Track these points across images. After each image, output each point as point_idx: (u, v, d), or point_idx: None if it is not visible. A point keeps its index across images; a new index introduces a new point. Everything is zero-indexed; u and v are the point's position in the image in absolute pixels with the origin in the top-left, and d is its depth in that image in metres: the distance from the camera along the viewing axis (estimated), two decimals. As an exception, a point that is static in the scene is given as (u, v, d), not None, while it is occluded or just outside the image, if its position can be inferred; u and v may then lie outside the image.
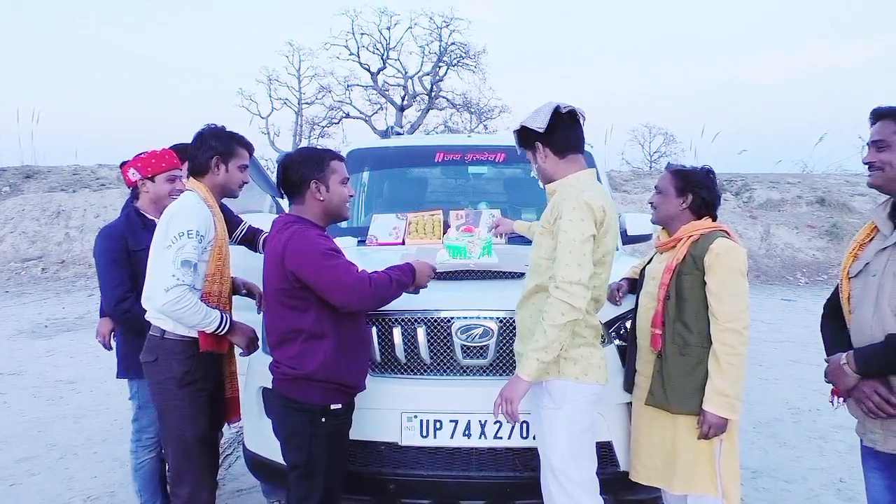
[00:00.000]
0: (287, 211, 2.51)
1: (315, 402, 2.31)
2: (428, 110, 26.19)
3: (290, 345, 2.29)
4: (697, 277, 2.36)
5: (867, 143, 2.03)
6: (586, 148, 3.56)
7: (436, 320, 2.61)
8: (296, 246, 2.23)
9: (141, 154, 2.96)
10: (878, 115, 2.00)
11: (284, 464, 2.48)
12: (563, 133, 2.31)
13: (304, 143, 26.72)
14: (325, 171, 2.36)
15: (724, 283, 2.31)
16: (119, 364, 3.02)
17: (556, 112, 2.28)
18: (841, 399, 2.07)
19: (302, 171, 2.34)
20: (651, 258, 2.65)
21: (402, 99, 26.06)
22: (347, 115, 26.63)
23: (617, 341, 2.69)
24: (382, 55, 25.45)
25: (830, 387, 2.09)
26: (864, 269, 2.01)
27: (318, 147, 2.59)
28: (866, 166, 2.03)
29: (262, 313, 2.69)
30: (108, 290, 2.86)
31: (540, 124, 2.27)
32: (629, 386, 2.56)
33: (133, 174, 2.93)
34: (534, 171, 2.44)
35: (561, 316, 2.11)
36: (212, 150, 2.50)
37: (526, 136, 2.35)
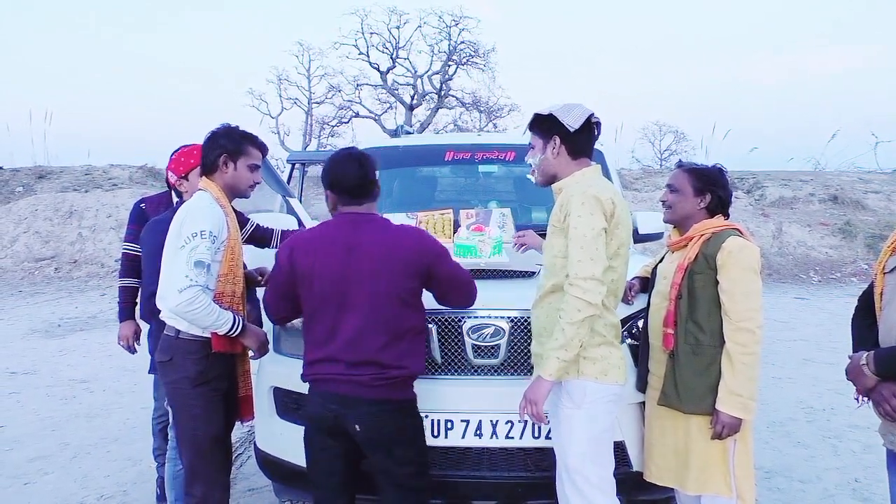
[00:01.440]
0: (301, 211, 2.48)
1: (413, 397, 2.36)
2: (437, 109, 26.24)
3: (396, 345, 2.26)
4: (710, 276, 2.34)
5: None
6: (597, 146, 3.55)
7: (447, 320, 2.60)
8: (430, 243, 2.31)
9: (171, 156, 3.00)
10: None
11: (298, 464, 2.49)
12: (585, 138, 2.32)
13: (314, 143, 26.81)
14: None
15: (737, 282, 2.28)
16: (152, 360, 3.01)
17: (588, 118, 2.29)
18: (865, 397, 2.02)
19: (375, 166, 2.38)
20: (662, 257, 2.63)
21: (412, 98, 26.11)
22: (357, 115, 26.75)
23: (629, 340, 2.67)
24: (392, 54, 25.54)
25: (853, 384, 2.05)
26: None
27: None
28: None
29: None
30: (147, 282, 2.82)
31: (573, 122, 2.27)
32: (642, 386, 2.54)
33: (171, 176, 2.98)
34: (532, 158, 2.41)
35: (578, 312, 2.10)
36: (220, 149, 2.49)
37: (549, 126, 2.33)
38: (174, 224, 2.42)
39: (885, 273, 2.02)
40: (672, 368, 2.37)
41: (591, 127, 2.32)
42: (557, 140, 2.31)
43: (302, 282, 2.31)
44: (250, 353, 2.63)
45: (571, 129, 2.27)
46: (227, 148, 2.50)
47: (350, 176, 2.32)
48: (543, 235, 3.30)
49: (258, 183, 2.63)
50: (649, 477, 2.48)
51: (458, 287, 2.38)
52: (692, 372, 2.33)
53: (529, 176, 2.46)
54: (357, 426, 2.25)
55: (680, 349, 2.35)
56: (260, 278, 2.80)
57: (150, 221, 2.93)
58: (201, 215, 2.38)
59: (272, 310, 2.47)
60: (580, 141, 2.31)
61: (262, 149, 2.62)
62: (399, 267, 2.24)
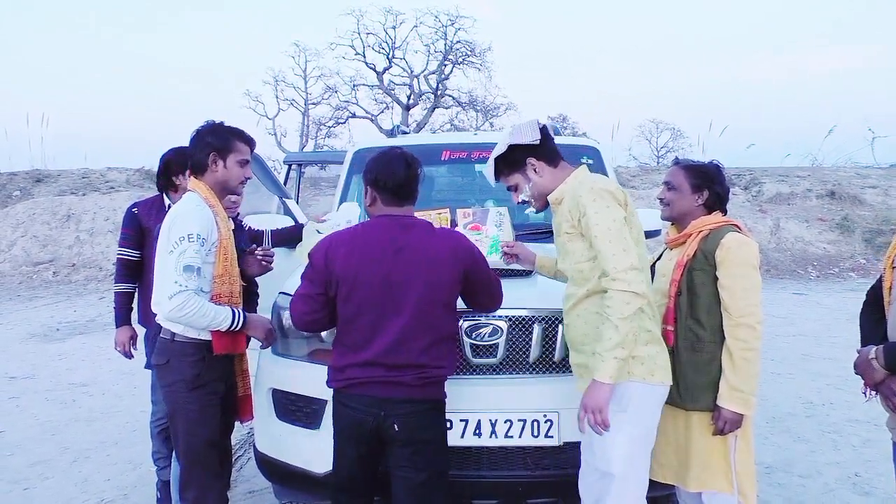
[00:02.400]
0: (298, 212, 2.46)
1: (445, 397, 2.34)
2: (434, 109, 26.24)
3: (438, 346, 2.24)
4: (709, 273, 2.34)
5: None
6: (593, 143, 3.52)
7: (445, 319, 2.60)
8: (471, 248, 2.32)
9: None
10: None
11: (297, 465, 2.47)
12: (549, 144, 2.32)
13: (310, 144, 26.80)
14: None
15: (736, 278, 2.28)
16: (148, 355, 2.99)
17: (541, 126, 2.30)
18: (873, 391, 2.03)
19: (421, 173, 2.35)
20: (661, 254, 2.63)
21: (408, 98, 26.09)
22: (353, 115, 26.72)
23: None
24: (388, 54, 25.53)
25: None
26: None
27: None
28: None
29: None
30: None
31: (533, 137, 2.26)
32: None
33: None
34: (522, 196, 2.39)
35: (626, 306, 2.03)
36: (208, 147, 2.46)
37: (514, 157, 2.33)
38: (163, 228, 2.40)
39: (893, 268, 2.02)
40: (672, 365, 2.36)
41: (547, 133, 2.32)
42: (532, 160, 2.31)
43: (341, 284, 2.21)
44: (259, 345, 2.61)
45: (537, 143, 2.27)
46: (214, 145, 2.46)
47: (399, 176, 2.27)
48: (539, 234, 3.29)
49: (249, 178, 2.60)
50: (651, 475, 2.47)
51: (490, 291, 2.38)
52: (692, 369, 2.33)
53: (529, 211, 2.46)
54: (396, 425, 2.20)
55: (680, 346, 2.35)
56: (258, 253, 2.72)
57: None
58: (189, 218, 2.36)
59: (301, 313, 2.30)
60: (548, 149, 2.31)
61: (250, 143, 2.58)
62: (446, 271, 2.21)
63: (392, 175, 2.26)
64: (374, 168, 2.29)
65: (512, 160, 2.34)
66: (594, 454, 2.25)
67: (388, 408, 2.20)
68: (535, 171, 2.32)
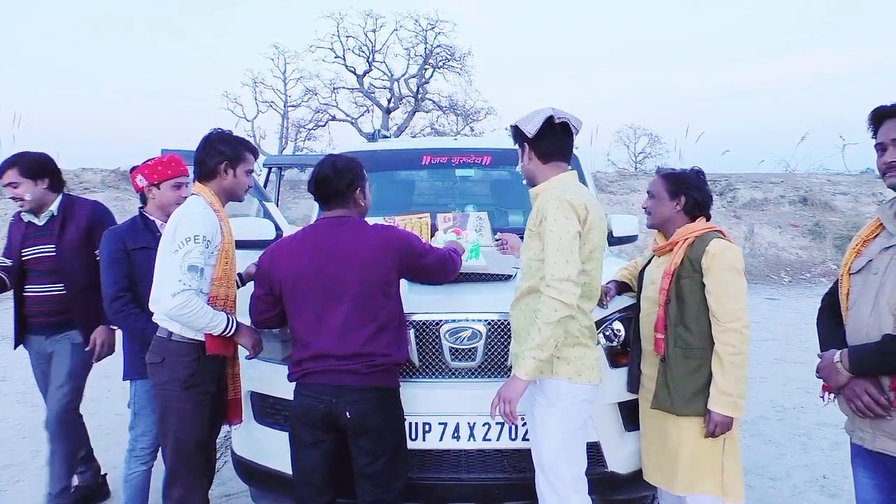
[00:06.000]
0: (278, 215, 2.49)
1: (398, 385, 2.46)
2: (414, 113, 26.22)
3: (382, 334, 2.35)
4: (696, 280, 2.39)
5: (877, 145, 1.95)
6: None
7: (424, 323, 2.62)
8: (404, 238, 2.45)
9: (149, 161, 3.03)
10: (885, 115, 1.93)
11: (275, 468, 2.47)
12: (550, 141, 2.37)
13: (290, 147, 26.63)
14: (365, 178, 2.50)
15: (722, 283, 2.33)
16: (124, 365, 2.99)
17: (549, 121, 2.33)
18: (832, 395, 2.08)
19: (354, 175, 2.45)
20: (650, 260, 2.67)
21: (389, 101, 26.07)
22: (333, 118, 26.61)
23: (603, 341, 2.71)
24: (368, 58, 25.49)
25: (821, 382, 2.09)
26: (865, 267, 2.00)
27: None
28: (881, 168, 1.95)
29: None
30: (103, 289, 2.85)
31: (530, 129, 2.33)
32: (633, 387, 2.58)
33: (140, 180, 3.00)
34: (518, 165, 2.50)
35: (554, 313, 2.15)
36: (221, 156, 2.53)
37: (518, 134, 2.42)
38: (168, 228, 2.46)
39: (850, 274, 2.06)
40: (664, 372, 2.41)
41: (554, 129, 2.36)
42: (526, 147, 2.40)
43: (283, 286, 2.39)
44: (246, 354, 2.64)
45: (529, 136, 2.34)
46: (227, 155, 2.54)
47: (318, 182, 2.44)
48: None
49: (251, 186, 2.70)
50: (647, 477, 2.54)
51: (435, 274, 2.53)
52: (683, 375, 2.38)
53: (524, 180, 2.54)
54: (348, 413, 2.31)
55: (671, 353, 2.40)
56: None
57: (107, 231, 2.96)
58: (195, 220, 2.41)
59: (255, 312, 2.52)
60: (545, 144, 2.38)
61: (255, 153, 2.69)
62: (378, 263, 2.33)
63: (314, 181, 2.45)
64: (311, 174, 2.48)
65: (517, 136, 2.44)
66: (533, 449, 2.38)
67: (340, 395, 2.32)
68: (526, 156, 2.42)
